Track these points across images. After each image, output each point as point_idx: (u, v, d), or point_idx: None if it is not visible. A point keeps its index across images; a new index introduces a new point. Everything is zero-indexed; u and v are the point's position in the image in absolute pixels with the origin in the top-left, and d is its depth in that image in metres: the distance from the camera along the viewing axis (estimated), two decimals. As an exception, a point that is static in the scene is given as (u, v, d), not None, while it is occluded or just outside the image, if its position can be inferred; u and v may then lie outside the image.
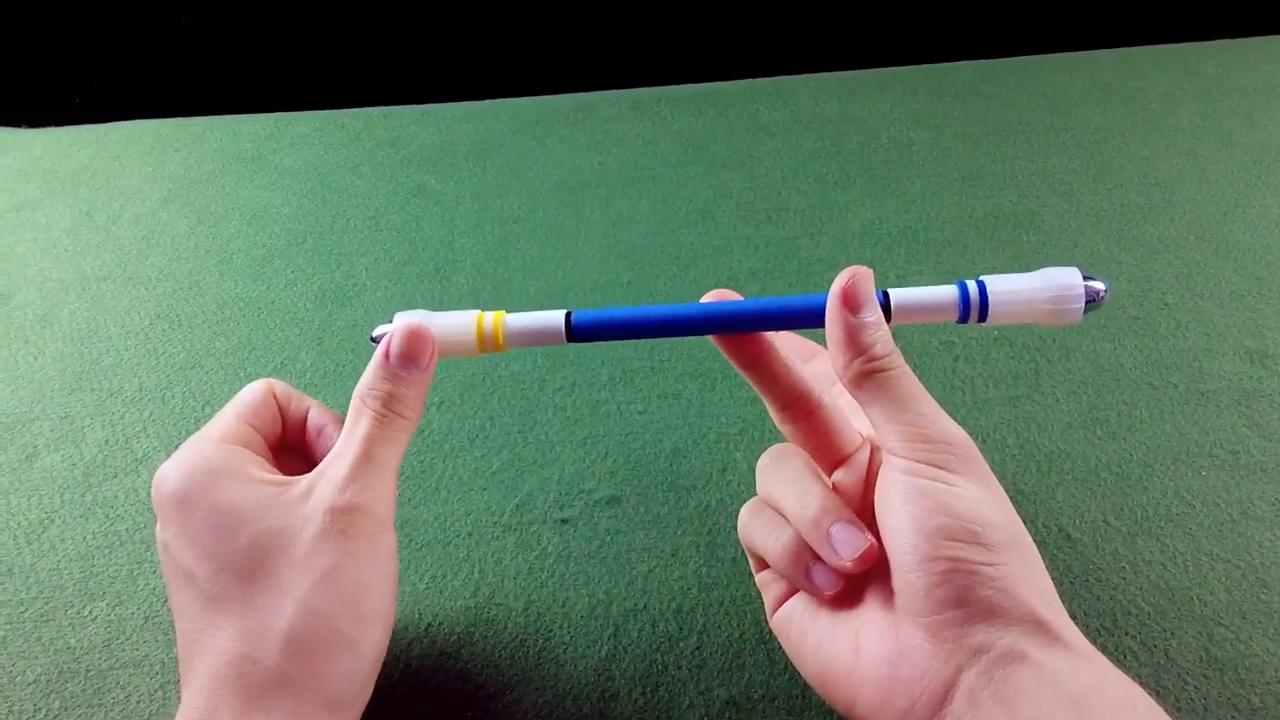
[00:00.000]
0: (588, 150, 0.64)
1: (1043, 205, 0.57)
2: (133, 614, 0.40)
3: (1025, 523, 0.28)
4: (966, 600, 0.26)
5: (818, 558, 0.30)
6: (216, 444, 0.32)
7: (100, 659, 0.39)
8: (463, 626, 0.39)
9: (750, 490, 0.34)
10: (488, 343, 0.34)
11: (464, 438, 0.46)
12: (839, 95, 0.67)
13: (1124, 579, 0.38)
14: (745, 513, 0.33)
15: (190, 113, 0.70)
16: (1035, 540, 0.28)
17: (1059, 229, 0.55)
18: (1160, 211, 0.56)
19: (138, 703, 0.37)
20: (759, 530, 0.32)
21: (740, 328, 0.33)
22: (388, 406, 0.32)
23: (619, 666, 0.37)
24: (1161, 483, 0.42)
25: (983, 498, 0.28)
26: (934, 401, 0.29)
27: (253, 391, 0.35)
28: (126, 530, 0.43)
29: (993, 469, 0.29)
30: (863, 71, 0.70)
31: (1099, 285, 0.31)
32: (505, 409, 0.47)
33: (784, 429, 0.34)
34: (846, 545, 0.29)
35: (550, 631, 0.38)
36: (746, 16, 0.91)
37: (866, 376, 0.29)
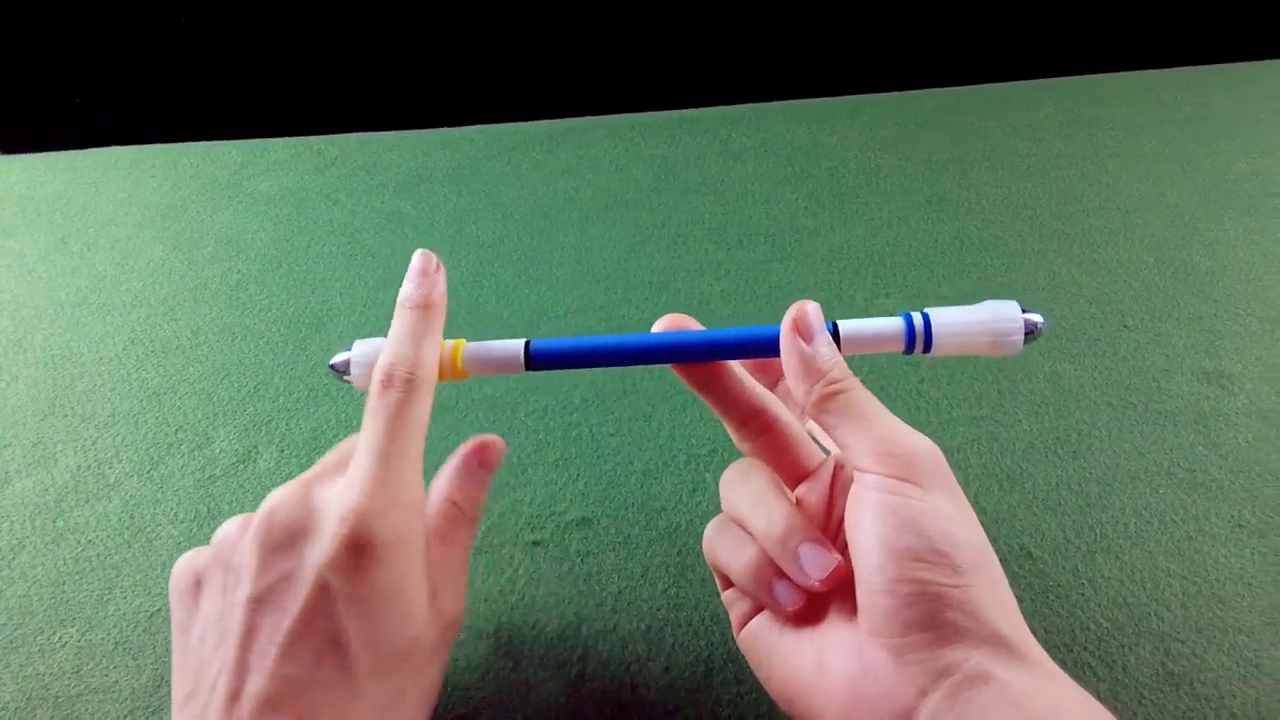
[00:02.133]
0: (562, 176, 0.65)
1: (1006, 230, 0.58)
2: (102, 640, 0.40)
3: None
4: (933, 623, 0.26)
5: (780, 574, 0.30)
6: (421, 511, 0.33)
7: (69, 685, 0.38)
8: (433, 649, 0.39)
9: (719, 511, 0.34)
10: (446, 370, 0.34)
11: (435, 461, 0.46)
12: (809, 122, 0.68)
13: (1083, 595, 0.39)
14: (710, 530, 0.33)
15: (166, 138, 0.71)
16: (998, 557, 0.29)
17: (1022, 253, 0.56)
18: (1121, 235, 0.57)
19: (107, 729, 0.37)
20: (723, 548, 0.32)
21: (696, 357, 0.33)
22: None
23: (588, 687, 0.37)
24: (1120, 501, 0.43)
25: (951, 514, 0.28)
26: (896, 418, 0.30)
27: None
28: (97, 556, 0.43)
29: (956, 487, 0.30)
30: (832, 99, 0.71)
31: (1037, 318, 0.32)
32: (477, 432, 0.48)
33: (743, 447, 0.35)
34: (815, 565, 0.29)
35: (520, 653, 0.39)
36: (719, 45, 0.92)
37: (828, 399, 0.30)
